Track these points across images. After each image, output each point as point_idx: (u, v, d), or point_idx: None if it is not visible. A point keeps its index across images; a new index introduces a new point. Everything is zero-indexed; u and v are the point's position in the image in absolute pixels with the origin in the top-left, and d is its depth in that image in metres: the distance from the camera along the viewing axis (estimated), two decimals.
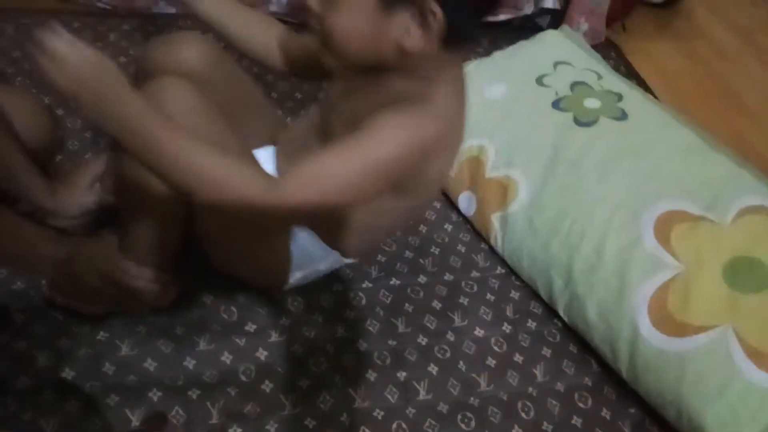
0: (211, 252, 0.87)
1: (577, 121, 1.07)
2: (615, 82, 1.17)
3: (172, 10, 1.34)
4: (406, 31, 0.67)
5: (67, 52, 0.60)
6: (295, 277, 0.88)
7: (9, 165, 0.84)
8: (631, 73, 1.51)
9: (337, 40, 0.69)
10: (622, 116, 1.07)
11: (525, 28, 1.55)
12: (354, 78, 0.75)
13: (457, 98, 0.75)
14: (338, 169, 0.68)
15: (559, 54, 1.21)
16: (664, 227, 0.93)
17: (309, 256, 0.86)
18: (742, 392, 0.81)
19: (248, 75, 0.93)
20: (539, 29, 1.56)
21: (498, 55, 1.26)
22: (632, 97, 1.13)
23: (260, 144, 0.91)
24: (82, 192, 0.91)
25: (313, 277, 0.91)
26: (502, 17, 1.48)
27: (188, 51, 0.81)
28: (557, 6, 1.49)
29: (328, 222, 0.83)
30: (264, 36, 0.89)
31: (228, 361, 0.85)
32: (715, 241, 0.91)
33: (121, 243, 0.80)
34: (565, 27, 1.36)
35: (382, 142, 0.68)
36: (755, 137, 1.46)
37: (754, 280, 0.87)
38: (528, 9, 1.49)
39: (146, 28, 1.29)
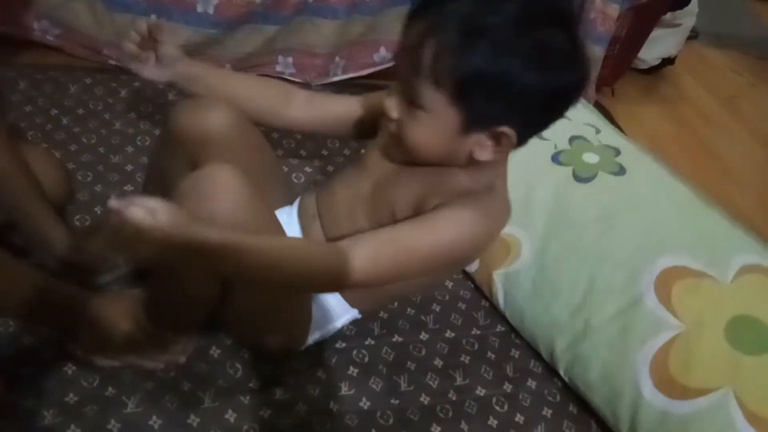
0: (231, 318, 0.87)
1: (577, 177, 1.08)
2: (612, 136, 1.20)
3: None
4: (480, 145, 0.72)
5: (146, 223, 0.57)
6: (314, 337, 0.90)
7: (36, 218, 0.86)
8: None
9: (413, 148, 0.74)
10: (620, 171, 1.09)
11: None
12: (417, 166, 0.78)
13: (507, 190, 0.81)
14: (411, 250, 0.73)
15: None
16: (665, 284, 0.94)
17: (328, 315, 0.88)
18: None
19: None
20: None
21: None
22: (629, 151, 1.15)
23: (279, 204, 0.93)
24: (106, 248, 0.93)
25: (327, 336, 0.93)
26: None
27: (213, 116, 0.83)
28: None
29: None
30: (265, 101, 0.92)
31: (232, 420, 0.85)
32: (717, 300, 0.91)
33: (148, 306, 0.82)
34: None
35: (457, 234, 0.73)
36: (741, 201, 1.52)
37: (756, 341, 0.88)
38: None
39: (156, 85, 1.33)
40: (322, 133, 1.01)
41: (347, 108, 0.91)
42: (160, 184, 0.88)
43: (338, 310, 0.89)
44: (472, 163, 0.74)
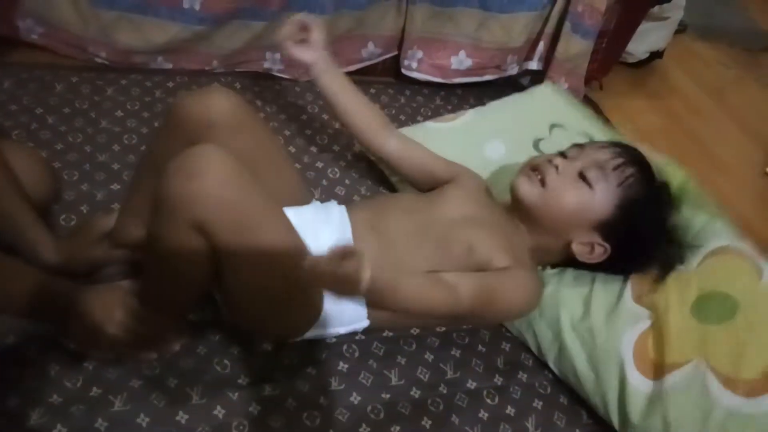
0: (232, 299, 0.87)
1: None
2: (603, 130, 1.22)
3: (169, 66, 1.37)
4: (581, 242, 0.92)
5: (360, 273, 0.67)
6: (313, 333, 0.89)
7: (16, 219, 0.85)
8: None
9: (554, 198, 0.91)
10: None
11: (508, 86, 1.62)
12: (495, 220, 0.96)
13: None
14: (494, 294, 0.86)
15: (554, 115, 1.25)
16: (638, 284, 0.98)
17: (338, 318, 0.89)
18: (722, 421, 0.84)
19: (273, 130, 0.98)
20: (521, 88, 1.63)
21: (493, 106, 1.30)
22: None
23: (288, 201, 0.93)
24: (89, 248, 0.92)
25: (326, 337, 0.93)
26: (487, 77, 1.55)
27: (217, 102, 0.84)
28: (540, 67, 1.56)
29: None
30: (370, 120, 1.05)
31: (221, 416, 0.85)
32: (682, 287, 0.95)
33: (142, 292, 0.82)
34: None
35: (522, 293, 0.90)
36: (730, 192, 1.52)
37: (720, 311, 0.91)
38: (512, 70, 1.56)
39: (143, 83, 1.32)
40: (398, 171, 1.09)
41: (433, 162, 1.05)
42: (154, 172, 0.87)
43: (352, 317, 0.90)
44: (551, 249, 0.95)
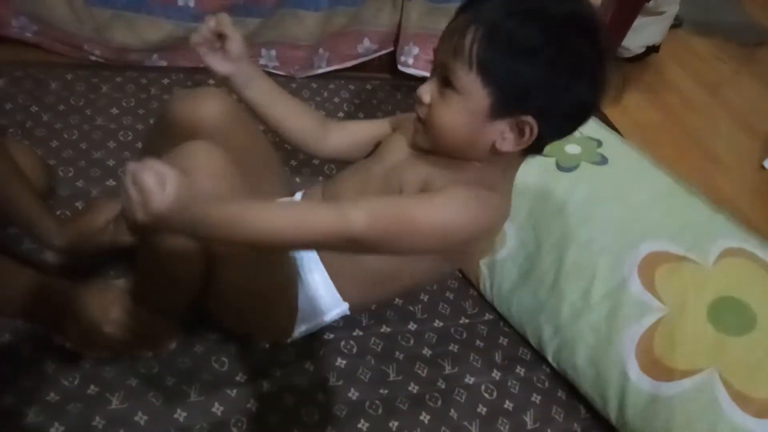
0: (217, 306, 0.87)
1: (559, 167, 1.09)
2: (594, 128, 1.21)
3: (164, 63, 1.37)
4: (502, 136, 0.76)
5: (160, 189, 0.58)
6: (301, 330, 0.89)
7: (18, 204, 0.86)
8: (606, 124, 1.57)
9: (441, 129, 0.78)
10: (602, 161, 1.10)
11: None
12: (432, 154, 0.82)
13: (511, 195, 0.85)
14: (411, 218, 0.73)
15: None
16: (648, 269, 0.94)
17: (316, 308, 0.88)
18: None
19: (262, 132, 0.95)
20: None
21: None
22: (611, 142, 1.17)
23: (277, 195, 0.93)
24: (94, 232, 0.92)
25: (315, 329, 0.92)
26: None
27: (209, 105, 0.84)
28: None
29: (355, 270, 0.86)
30: (305, 124, 0.94)
31: (219, 413, 0.85)
32: (699, 281, 0.92)
33: (136, 290, 0.82)
34: None
35: (454, 213, 0.75)
36: (726, 187, 1.53)
37: (738, 322, 0.88)
38: None
39: (138, 80, 1.32)
40: (348, 159, 0.98)
41: (375, 131, 0.95)
42: None
43: (329, 304, 0.88)
44: (490, 157, 0.78)
